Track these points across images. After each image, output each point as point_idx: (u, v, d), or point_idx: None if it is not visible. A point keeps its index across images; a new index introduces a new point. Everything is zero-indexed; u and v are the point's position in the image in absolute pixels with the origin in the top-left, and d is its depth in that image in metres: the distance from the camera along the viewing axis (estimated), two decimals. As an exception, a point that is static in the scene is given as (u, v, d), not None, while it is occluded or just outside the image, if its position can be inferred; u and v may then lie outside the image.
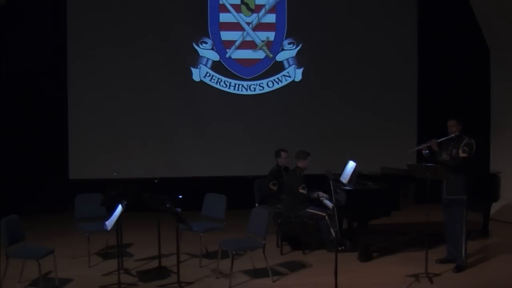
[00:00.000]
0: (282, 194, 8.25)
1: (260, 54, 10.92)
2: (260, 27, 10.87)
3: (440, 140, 7.14)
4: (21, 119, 10.36)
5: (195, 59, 10.77)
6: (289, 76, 10.99)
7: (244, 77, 10.90)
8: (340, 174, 8.11)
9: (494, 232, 8.98)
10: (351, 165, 8.06)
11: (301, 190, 7.82)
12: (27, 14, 10.31)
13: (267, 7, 10.86)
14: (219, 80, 10.85)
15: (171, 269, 7.10)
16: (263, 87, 10.95)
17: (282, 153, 8.69)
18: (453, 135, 7.09)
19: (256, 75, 10.92)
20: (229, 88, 10.88)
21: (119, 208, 6.56)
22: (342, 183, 7.93)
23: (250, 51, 10.89)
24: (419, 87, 11.27)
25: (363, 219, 7.63)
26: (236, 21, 10.82)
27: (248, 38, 10.87)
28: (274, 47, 10.93)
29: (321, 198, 7.85)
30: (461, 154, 7.02)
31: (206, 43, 10.77)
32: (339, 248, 7.01)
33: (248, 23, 10.84)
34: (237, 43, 10.85)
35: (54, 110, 10.49)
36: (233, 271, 6.75)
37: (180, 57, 10.71)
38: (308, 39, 10.92)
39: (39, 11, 10.35)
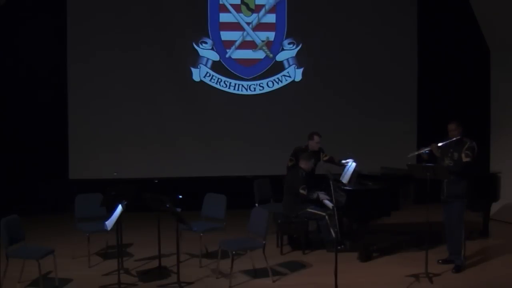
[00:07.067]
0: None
1: (260, 54, 10.91)
2: (260, 27, 10.87)
3: (441, 144, 7.07)
4: (21, 119, 10.35)
5: (195, 59, 10.76)
6: (289, 76, 10.99)
7: (244, 77, 10.89)
8: (340, 174, 8.12)
9: (494, 232, 8.97)
10: (351, 165, 8.06)
11: (301, 191, 7.82)
12: (27, 15, 10.30)
13: (267, 7, 10.85)
14: (219, 80, 10.84)
15: (171, 269, 7.10)
16: (263, 87, 10.95)
17: (315, 137, 8.39)
18: (454, 138, 7.02)
19: (256, 75, 10.92)
20: (229, 88, 10.88)
21: (119, 208, 6.56)
22: (342, 183, 7.93)
23: (250, 51, 10.88)
24: (419, 88, 11.25)
25: (363, 219, 7.64)
26: (236, 21, 10.82)
27: (248, 38, 10.87)
28: (274, 47, 10.92)
29: (322, 199, 7.85)
30: (465, 159, 6.97)
31: (206, 43, 10.77)
32: (339, 247, 7.00)
33: (248, 23, 10.84)
34: (237, 43, 10.84)
35: (54, 110, 10.48)
36: (233, 271, 6.75)
37: (180, 57, 10.71)
38: (308, 39, 10.91)
39: (39, 12, 10.33)
